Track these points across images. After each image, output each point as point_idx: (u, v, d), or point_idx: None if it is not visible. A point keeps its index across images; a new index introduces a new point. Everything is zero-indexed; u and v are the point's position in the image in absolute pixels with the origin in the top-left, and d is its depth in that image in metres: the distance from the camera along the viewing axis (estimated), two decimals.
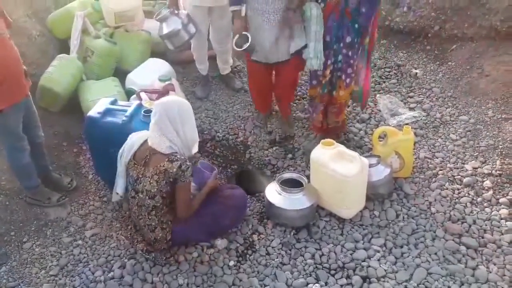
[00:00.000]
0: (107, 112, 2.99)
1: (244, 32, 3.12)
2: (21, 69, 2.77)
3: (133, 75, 3.83)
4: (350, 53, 3.09)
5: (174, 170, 2.31)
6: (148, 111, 2.98)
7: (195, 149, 2.55)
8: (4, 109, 2.68)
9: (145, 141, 2.48)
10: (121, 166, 2.57)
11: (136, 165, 2.47)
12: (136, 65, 3.94)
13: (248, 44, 3.06)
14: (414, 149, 3.25)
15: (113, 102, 3.07)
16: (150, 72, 3.78)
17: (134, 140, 2.53)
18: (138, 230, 2.76)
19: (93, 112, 3.01)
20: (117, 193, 2.59)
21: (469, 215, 2.89)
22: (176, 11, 3.59)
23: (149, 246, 2.71)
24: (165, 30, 3.65)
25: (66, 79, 3.65)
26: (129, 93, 3.67)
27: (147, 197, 2.43)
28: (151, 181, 2.38)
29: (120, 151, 2.56)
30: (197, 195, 2.61)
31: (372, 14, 2.99)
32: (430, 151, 3.39)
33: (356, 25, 3.00)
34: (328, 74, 3.19)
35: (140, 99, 3.28)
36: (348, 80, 3.21)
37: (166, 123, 2.33)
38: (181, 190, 2.41)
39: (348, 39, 3.04)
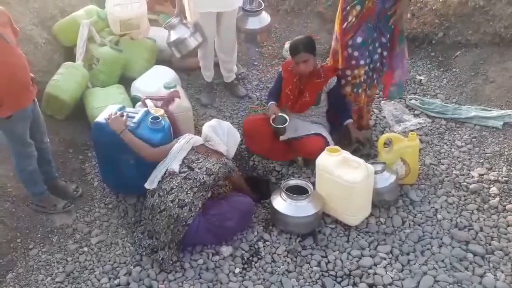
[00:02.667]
0: None
1: (281, 114, 3.26)
2: (28, 76, 2.79)
3: (139, 83, 3.84)
4: (385, 53, 3.21)
5: (231, 164, 2.93)
6: (156, 118, 2.99)
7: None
8: (12, 115, 2.70)
9: (201, 144, 2.94)
10: (187, 146, 2.87)
11: (197, 153, 2.88)
12: (141, 73, 3.95)
13: (286, 123, 3.23)
14: (419, 155, 3.24)
15: (121, 109, 3.08)
16: (155, 80, 3.78)
17: (195, 139, 2.94)
18: (144, 231, 2.80)
19: (101, 118, 3.02)
20: (174, 170, 2.78)
21: (476, 222, 2.88)
22: (184, 20, 3.62)
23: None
24: (172, 38, 3.68)
25: (72, 86, 3.67)
26: (134, 100, 3.68)
27: (204, 173, 2.76)
28: (214, 164, 2.82)
29: (187, 139, 2.91)
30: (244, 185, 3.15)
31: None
32: (435, 157, 3.38)
33: (391, 25, 3.12)
34: (363, 74, 3.24)
35: (146, 106, 3.30)
36: (379, 79, 3.39)
37: (221, 136, 2.90)
38: (237, 178, 3.04)
39: (383, 40, 3.15)
